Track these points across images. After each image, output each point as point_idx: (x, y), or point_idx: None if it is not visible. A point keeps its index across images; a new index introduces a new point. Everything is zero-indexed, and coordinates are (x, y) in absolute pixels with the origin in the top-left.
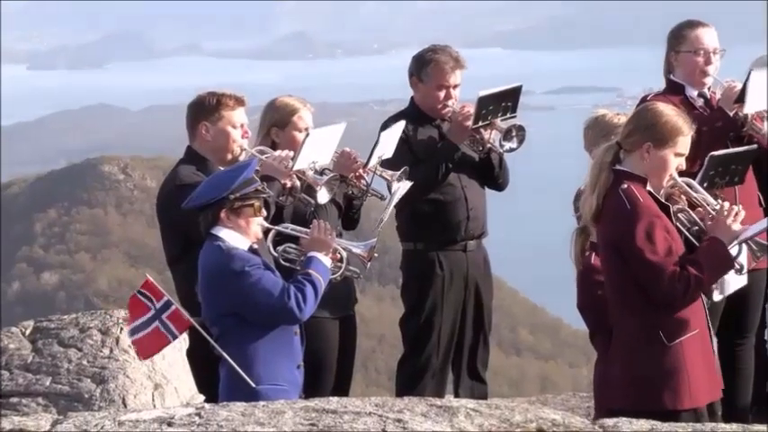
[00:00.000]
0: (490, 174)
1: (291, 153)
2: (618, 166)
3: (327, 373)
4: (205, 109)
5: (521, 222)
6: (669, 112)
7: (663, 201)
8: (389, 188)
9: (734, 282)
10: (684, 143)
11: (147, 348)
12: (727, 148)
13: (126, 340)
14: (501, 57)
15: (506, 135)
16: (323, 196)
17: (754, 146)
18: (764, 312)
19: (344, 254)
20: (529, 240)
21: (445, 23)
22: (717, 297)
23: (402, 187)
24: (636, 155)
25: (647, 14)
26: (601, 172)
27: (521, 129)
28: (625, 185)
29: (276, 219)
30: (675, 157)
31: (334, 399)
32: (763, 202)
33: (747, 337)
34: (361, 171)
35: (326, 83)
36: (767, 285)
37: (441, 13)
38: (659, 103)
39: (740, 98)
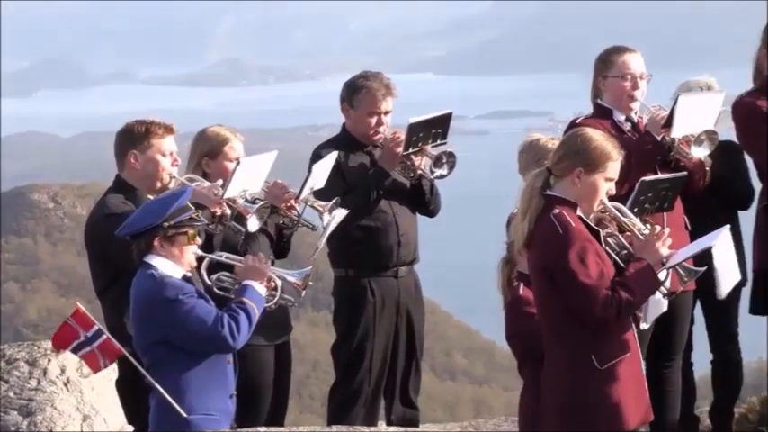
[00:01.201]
0: (421, 200)
1: (220, 181)
2: (549, 192)
3: (263, 401)
4: (134, 137)
5: (455, 246)
6: (599, 137)
7: (593, 225)
8: (321, 218)
9: (655, 309)
10: (614, 168)
11: (93, 364)
12: (655, 172)
13: (54, 371)
14: (433, 82)
15: (437, 162)
16: (253, 224)
17: (684, 173)
18: (690, 335)
19: (279, 282)
20: (463, 264)
21: (377, 48)
22: (644, 326)
23: (338, 215)
24: (567, 180)
25: (577, 39)
26: (532, 197)
27: (451, 155)
28: (556, 210)
29: (205, 247)
30: (605, 182)
31: (262, 429)
32: (689, 226)
33: (674, 360)
34: (292, 202)
35: (259, 109)
36: (693, 308)
37: (373, 38)
38: (589, 129)
39: (668, 123)
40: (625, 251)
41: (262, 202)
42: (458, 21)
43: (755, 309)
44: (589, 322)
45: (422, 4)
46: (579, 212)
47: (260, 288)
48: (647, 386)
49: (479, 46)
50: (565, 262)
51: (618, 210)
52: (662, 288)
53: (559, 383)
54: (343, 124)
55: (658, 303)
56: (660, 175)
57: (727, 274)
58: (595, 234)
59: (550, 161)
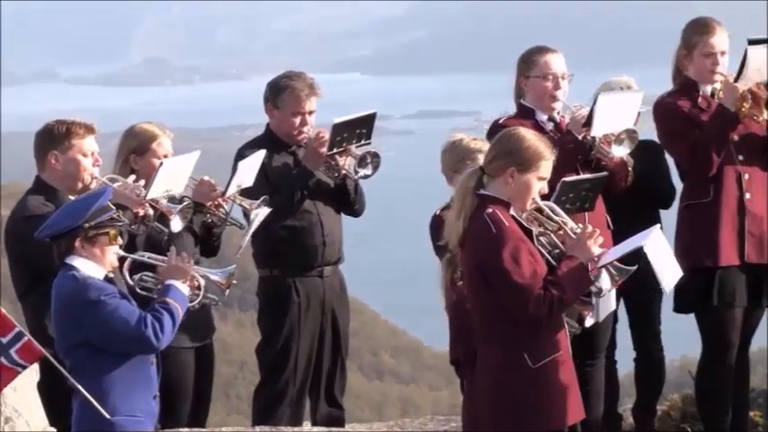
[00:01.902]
0: (346, 200)
1: (143, 181)
2: (482, 191)
3: (184, 403)
4: (54, 138)
5: (382, 245)
6: (531, 137)
7: (526, 224)
8: (248, 217)
9: (606, 306)
10: (547, 167)
11: (5, 378)
12: (577, 171)
13: None
14: (359, 81)
15: (361, 162)
16: (176, 224)
17: (605, 173)
18: (614, 333)
19: (202, 281)
20: (390, 263)
21: (303, 48)
22: (590, 322)
23: (261, 213)
24: (500, 180)
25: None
26: (465, 197)
27: (375, 155)
28: (490, 210)
29: (128, 247)
30: (538, 181)
31: (185, 430)
32: (611, 225)
33: (598, 358)
34: (219, 200)
35: (184, 108)
36: (616, 307)
37: (298, 38)
38: (521, 129)
39: (588, 122)
40: (557, 250)
41: (185, 203)
42: (384, 20)
43: (679, 307)
44: (522, 320)
45: (347, 3)
46: (512, 211)
47: (183, 287)
48: (578, 384)
49: (405, 45)
50: (498, 261)
51: (550, 208)
52: (592, 287)
53: (492, 381)
54: (267, 124)
55: (608, 300)
56: (581, 176)
57: (668, 270)
58: (528, 233)
59: (483, 161)
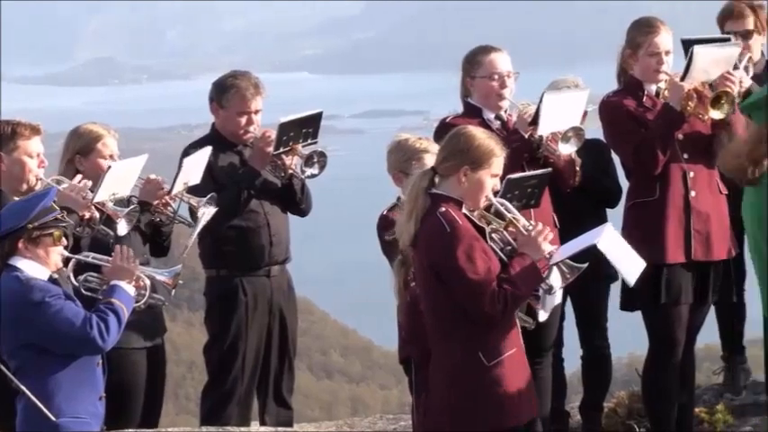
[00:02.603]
0: (292, 199)
1: (90, 183)
2: (434, 190)
3: (134, 404)
4: None
5: (331, 245)
6: (481, 135)
7: (478, 222)
8: (196, 215)
9: (550, 302)
10: (498, 164)
11: None
12: (523, 169)
13: None
14: (308, 81)
15: (308, 161)
16: (122, 228)
17: (549, 169)
18: (561, 331)
19: (148, 281)
20: (339, 263)
21: (252, 47)
22: (543, 317)
23: (207, 213)
24: (453, 179)
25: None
26: (417, 197)
27: (322, 155)
28: (443, 209)
29: (73, 250)
30: (491, 178)
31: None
32: (557, 223)
33: (545, 356)
34: (167, 198)
35: (133, 108)
36: (563, 304)
37: (247, 37)
38: (471, 127)
39: (534, 121)
40: (509, 247)
41: (132, 206)
42: (333, 20)
43: (625, 305)
44: (477, 318)
45: (297, 4)
46: (464, 210)
47: (128, 288)
48: (532, 381)
49: (355, 45)
50: (453, 259)
51: (502, 206)
52: (543, 285)
53: (447, 381)
54: (213, 124)
55: (553, 296)
56: (525, 173)
57: (629, 264)
58: (481, 231)
59: (435, 161)
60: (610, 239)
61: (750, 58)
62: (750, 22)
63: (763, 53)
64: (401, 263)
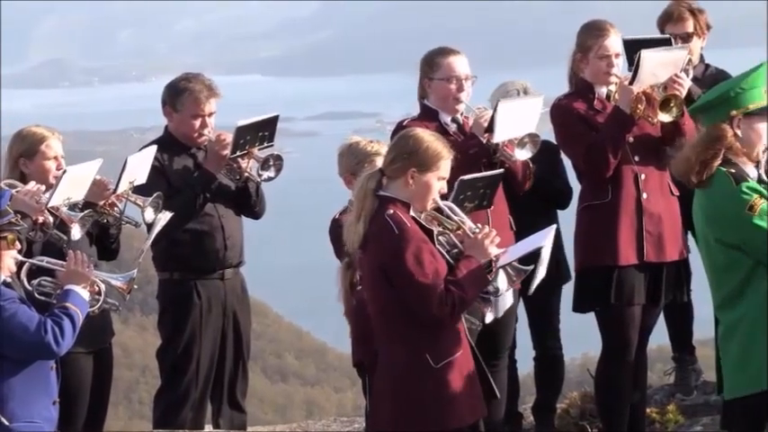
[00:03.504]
0: (247, 202)
1: (43, 187)
2: (382, 192)
3: (78, 409)
4: None
5: (286, 247)
6: (429, 137)
7: (426, 225)
8: (143, 215)
9: (502, 303)
10: (446, 166)
11: None
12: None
13: None
14: (263, 83)
15: (264, 164)
16: (76, 233)
17: (500, 170)
18: (514, 332)
19: (103, 286)
20: (294, 265)
21: (205, 50)
22: (489, 319)
23: (162, 218)
24: (400, 181)
25: (406, 40)
26: (365, 199)
27: (278, 158)
28: (390, 211)
29: (26, 254)
30: (438, 181)
31: None
32: (513, 226)
33: (501, 358)
34: (112, 198)
35: (85, 111)
36: (516, 306)
37: (201, 40)
38: (419, 130)
39: (489, 128)
40: (456, 250)
41: (86, 211)
42: (288, 22)
43: (578, 307)
44: (425, 320)
45: (252, 4)
46: (412, 212)
47: (83, 292)
48: (479, 382)
49: (310, 47)
50: (401, 261)
51: (449, 208)
52: (489, 287)
53: (395, 382)
54: (166, 126)
55: (506, 297)
56: (477, 174)
57: (541, 273)
58: (428, 233)
59: (383, 163)
60: (549, 244)
61: (690, 60)
62: (690, 25)
63: (701, 57)
64: (347, 266)
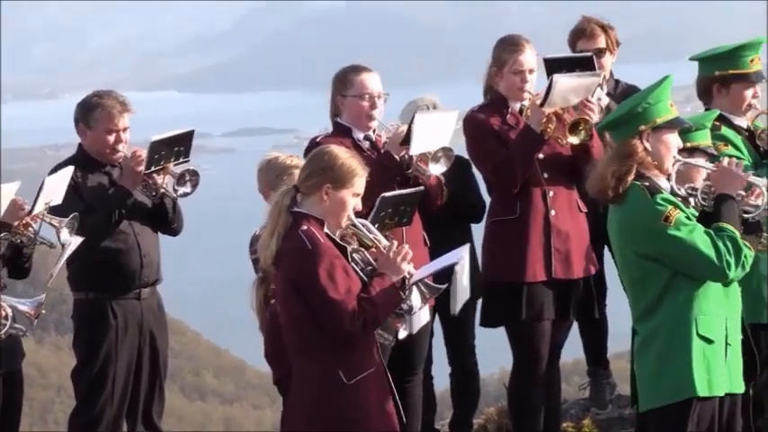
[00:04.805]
0: (164, 219)
1: None
2: (296, 209)
3: None
4: None
5: (203, 264)
6: (344, 154)
7: (340, 242)
8: (58, 235)
9: (417, 320)
10: (360, 183)
11: None
12: (395, 189)
13: None
14: (177, 99)
15: (180, 180)
16: None
17: (421, 188)
18: (430, 348)
19: (9, 311)
20: (211, 283)
21: (119, 67)
22: (403, 335)
23: (73, 242)
24: (315, 197)
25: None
26: (279, 215)
27: (194, 173)
28: (305, 227)
29: None
30: (353, 198)
31: None
32: (427, 242)
33: (416, 374)
34: (27, 219)
35: None
36: (432, 322)
37: (115, 57)
38: (334, 146)
39: (405, 140)
40: (370, 267)
41: (3, 233)
42: (202, 38)
43: (486, 321)
44: (337, 337)
45: (166, 20)
46: (326, 229)
47: None
48: (393, 398)
49: (225, 63)
50: (314, 278)
51: (364, 226)
52: (402, 305)
53: (307, 398)
54: (80, 144)
55: (421, 314)
56: (399, 191)
57: (462, 292)
58: (342, 250)
59: (298, 179)
60: (464, 262)
61: (603, 76)
62: (602, 41)
63: (612, 72)
64: (261, 280)
